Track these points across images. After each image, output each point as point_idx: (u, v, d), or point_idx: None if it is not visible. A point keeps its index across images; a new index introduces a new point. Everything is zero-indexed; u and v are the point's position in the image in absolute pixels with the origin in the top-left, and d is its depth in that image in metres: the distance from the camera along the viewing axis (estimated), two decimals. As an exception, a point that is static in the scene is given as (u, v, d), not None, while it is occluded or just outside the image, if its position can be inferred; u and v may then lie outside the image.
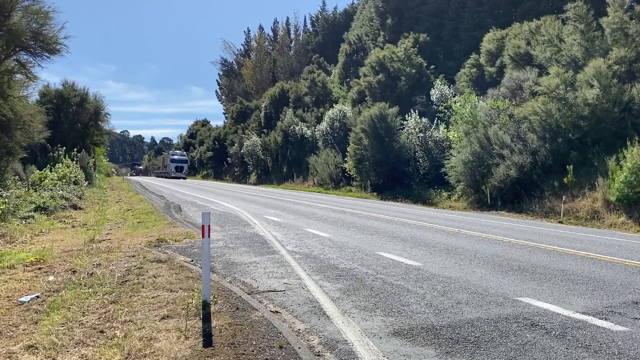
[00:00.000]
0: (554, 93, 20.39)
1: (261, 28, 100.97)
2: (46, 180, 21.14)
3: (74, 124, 35.54)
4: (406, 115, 30.87)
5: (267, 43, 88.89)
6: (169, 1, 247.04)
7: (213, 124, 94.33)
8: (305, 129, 48.45)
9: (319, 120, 45.69)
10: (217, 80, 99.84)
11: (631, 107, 18.76)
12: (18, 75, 17.88)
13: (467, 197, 23.35)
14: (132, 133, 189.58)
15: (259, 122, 61.89)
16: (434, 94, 33.13)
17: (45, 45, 17.17)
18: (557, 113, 20.23)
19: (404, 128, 30.51)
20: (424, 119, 30.05)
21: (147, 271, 7.66)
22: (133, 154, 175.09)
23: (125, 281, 7.06)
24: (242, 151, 59.67)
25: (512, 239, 11.50)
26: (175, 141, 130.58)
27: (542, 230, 13.84)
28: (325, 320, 5.48)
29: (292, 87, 57.69)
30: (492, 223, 15.66)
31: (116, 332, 5.02)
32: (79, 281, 7.02)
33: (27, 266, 8.27)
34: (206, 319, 5.34)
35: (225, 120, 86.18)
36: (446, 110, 28.65)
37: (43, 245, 10.11)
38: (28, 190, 18.22)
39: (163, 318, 5.44)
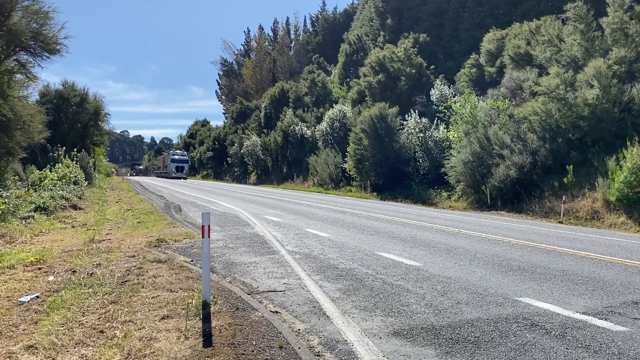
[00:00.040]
0: (554, 93, 20.40)
1: (261, 28, 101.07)
2: (46, 181, 21.14)
3: (74, 124, 35.54)
4: (406, 116, 30.87)
5: (267, 43, 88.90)
6: (169, 1, 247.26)
7: (213, 124, 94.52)
8: (305, 129, 48.46)
9: (319, 120, 45.70)
10: (217, 80, 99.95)
11: (631, 107, 18.77)
12: (18, 75, 17.88)
13: (467, 197, 23.36)
14: (132, 133, 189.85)
15: (259, 122, 61.90)
16: (434, 94, 33.13)
17: (45, 45, 17.17)
18: (557, 113, 20.24)
19: (403, 128, 30.52)
20: (424, 119, 30.05)
21: (147, 271, 7.66)
22: (133, 154, 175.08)
23: (125, 281, 7.06)
24: (242, 151, 59.68)
25: (512, 239, 11.50)
26: (175, 141, 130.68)
27: (542, 231, 13.84)
28: (325, 320, 5.48)
29: (292, 87, 57.70)
30: (492, 223, 15.66)
31: (116, 332, 5.02)
32: (79, 281, 7.02)
33: (27, 266, 8.27)
34: (206, 319, 5.34)
35: (225, 120, 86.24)
36: (446, 110, 28.66)
37: (43, 246, 10.11)
38: (28, 190, 18.22)
39: (163, 318, 5.44)
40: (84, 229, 13.57)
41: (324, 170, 38.88)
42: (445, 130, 28.06)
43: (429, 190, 26.81)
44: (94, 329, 5.15)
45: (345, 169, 34.88)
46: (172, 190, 33.01)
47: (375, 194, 30.57)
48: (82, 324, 5.30)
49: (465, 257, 9.09)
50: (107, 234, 12.33)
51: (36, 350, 4.58)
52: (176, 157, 73.92)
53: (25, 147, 19.83)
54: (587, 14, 22.14)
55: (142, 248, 9.82)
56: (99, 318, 5.47)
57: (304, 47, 78.87)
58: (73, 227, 14.09)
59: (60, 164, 25.75)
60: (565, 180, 18.63)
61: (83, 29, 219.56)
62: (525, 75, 24.39)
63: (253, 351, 4.55)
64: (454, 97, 29.95)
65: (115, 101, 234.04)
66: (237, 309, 5.80)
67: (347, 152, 33.38)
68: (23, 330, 5.19)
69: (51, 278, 7.39)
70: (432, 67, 39.35)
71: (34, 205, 15.75)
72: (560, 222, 16.80)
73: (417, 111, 31.00)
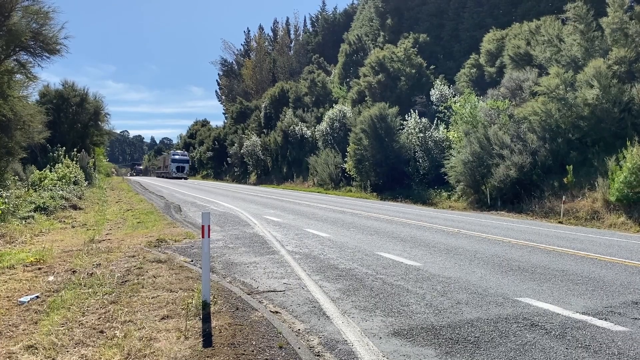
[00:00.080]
0: (553, 93, 20.40)
1: (261, 28, 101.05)
2: (46, 181, 21.14)
3: (73, 124, 35.54)
4: (406, 116, 30.87)
5: (267, 43, 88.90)
6: (169, 1, 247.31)
7: (213, 124, 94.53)
8: (305, 129, 48.46)
9: (319, 120, 45.70)
10: (217, 80, 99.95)
11: (631, 107, 18.77)
12: (18, 75, 17.89)
13: (467, 197, 23.36)
14: (132, 133, 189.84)
15: (259, 122, 61.91)
16: (434, 94, 33.14)
17: (45, 45, 17.17)
18: (557, 113, 20.24)
19: (403, 128, 30.52)
20: (423, 119, 30.06)
21: (147, 271, 7.66)
22: (133, 154, 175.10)
23: (125, 281, 7.06)
24: (242, 151, 59.69)
25: (512, 239, 11.50)
26: (175, 141, 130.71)
27: (541, 231, 13.84)
28: (325, 320, 5.48)
29: (292, 87, 57.71)
30: (491, 223, 15.66)
31: (116, 332, 5.03)
32: (78, 281, 7.02)
33: (27, 266, 8.27)
34: (206, 319, 5.34)
35: (225, 121, 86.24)
36: (446, 111, 28.66)
37: (43, 246, 10.11)
38: (28, 190, 18.22)
39: (163, 318, 5.44)
40: (84, 229, 13.57)
41: (324, 171, 38.89)
42: (445, 130, 28.06)
43: (429, 190, 26.81)
44: (94, 329, 5.15)
45: (345, 169, 34.88)
46: (172, 191, 33.02)
47: (375, 194, 30.57)
48: (82, 324, 5.30)
49: (465, 257, 9.09)
50: (107, 234, 12.33)
51: (36, 350, 4.58)
52: (177, 157, 73.86)
53: (25, 147, 19.83)
54: (587, 14, 22.14)
55: (142, 248, 9.82)
56: (99, 318, 5.48)
57: (304, 47, 78.88)
58: (73, 227, 14.09)
59: (60, 164, 25.75)
60: (565, 180, 18.63)
61: (83, 29, 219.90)
62: (525, 76, 24.39)
63: (253, 351, 4.55)
64: (454, 97, 29.95)
65: (115, 101, 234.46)
66: (237, 309, 5.80)
67: (347, 152, 33.39)
68: (23, 330, 5.19)
69: (51, 278, 7.39)
70: (432, 67, 39.35)
71: (34, 205, 15.75)
72: (560, 222, 16.81)
73: (417, 111, 31.00)
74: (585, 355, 4.45)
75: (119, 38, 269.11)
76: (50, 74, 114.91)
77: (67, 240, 11.28)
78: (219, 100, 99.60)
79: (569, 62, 22.38)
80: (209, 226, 5.67)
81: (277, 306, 6.05)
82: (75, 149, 31.01)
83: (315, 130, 45.03)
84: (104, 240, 11.13)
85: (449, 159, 24.52)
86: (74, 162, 28.10)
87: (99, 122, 38.86)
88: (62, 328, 5.14)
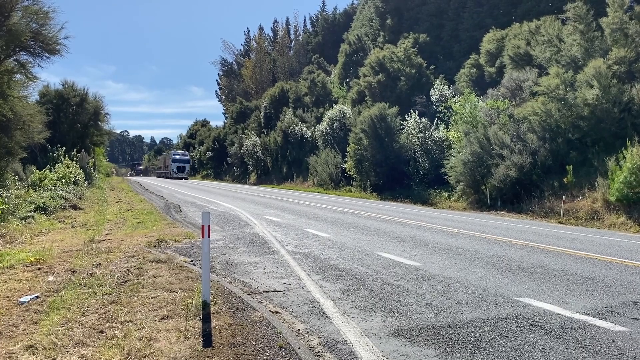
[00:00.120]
0: (553, 93, 20.40)
1: (261, 28, 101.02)
2: (46, 181, 21.14)
3: (73, 124, 35.55)
4: (406, 116, 30.88)
5: (267, 43, 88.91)
6: (169, 1, 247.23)
7: (213, 124, 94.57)
8: (305, 129, 48.46)
9: (319, 120, 45.71)
10: (217, 80, 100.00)
11: (631, 107, 18.78)
12: (18, 76, 17.89)
13: (466, 197, 23.36)
14: (132, 133, 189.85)
15: (259, 122, 61.91)
16: (434, 94, 33.14)
17: (45, 45, 17.17)
18: (557, 113, 20.24)
19: (403, 128, 30.53)
20: (423, 119, 30.06)
21: (146, 271, 7.66)
22: (133, 154, 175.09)
23: (125, 281, 7.06)
24: (241, 151, 59.70)
25: (512, 239, 11.50)
26: (175, 141, 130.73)
27: (541, 231, 13.84)
28: (325, 320, 5.48)
29: (292, 87, 57.72)
30: (491, 223, 15.66)
31: (116, 332, 5.02)
32: (78, 281, 7.02)
33: (26, 266, 8.27)
34: (206, 319, 5.34)
35: (225, 121, 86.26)
36: (446, 111, 28.66)
37: (43, 246, 10.10)
38: (28, 190, 18.23)
39: (163, 318, 5.44)
40: (83, 229, 13.56)
41: (323, 171, 38.89)
42: (445, 130, 28.06)
43: (429, 191, 26.81)
44: (93, 329, 5.15)
45: (345, 169, 34.88)
46: (172, 191, 33.01)
47: (375, 194, 30.57)
48: (82, 324, 5.30)
49: (465, 257, 9.09)
50: (107, 234, 12.33)
51: (36, 350, 4.58)
52: (177, 157, 73.79)
53: (25, 147, 19.83)
54: (587, 14, 22.14)
55: (142, 248, 9.82)
56: (98, 318, 5.47)
57: (303, 47, 78.89)
58: (73, 227, 14.09)
59: (60, 164, 25.75)
60: (565, 180, 18.64)
61: (83, 29, 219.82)
62: (525, 76, 24.40)
63: (253, 351, 4.55)
64: (453, 97, 29.95)
65: (115, 101, 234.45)
66: (237, 309, 5.80)
67: (347, 152, 33.39)
68: (23, 330, 5.19)
69: (51, 278, 7.39)
70: (432, 67, 39.36)
71: (33, 205, 15.75)
72: (560, 222, 16.81)
73: (417, 111, 31.01)
74: (585, 355, 4.45)
75: (119, 38, 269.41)
76: (50, 74, 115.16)
77: (67, 240, 11.28)
78: (219, 100, 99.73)
79: (568, 62, 22.39)
80: (209, 226, 5.67)
81: (277, 306, 6.05)
82: (75, 149, 31.02)
83: (315, 130, 45.04)
84: (103, 240, 11.13)
85: (448, 159, 24.53)
86: (74, 162, 28.11)
87: (99, 122, 38.89)
88: (62, 328, 5.14)
